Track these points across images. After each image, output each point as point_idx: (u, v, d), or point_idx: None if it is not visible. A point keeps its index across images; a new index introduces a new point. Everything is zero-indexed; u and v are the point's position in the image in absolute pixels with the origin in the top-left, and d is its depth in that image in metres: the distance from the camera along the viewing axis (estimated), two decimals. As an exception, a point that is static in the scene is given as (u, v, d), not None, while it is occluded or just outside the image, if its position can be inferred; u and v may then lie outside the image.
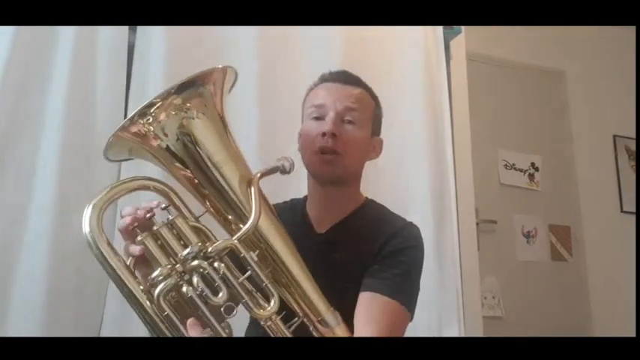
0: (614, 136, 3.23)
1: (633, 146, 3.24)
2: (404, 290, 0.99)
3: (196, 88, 0.84)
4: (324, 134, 1.03)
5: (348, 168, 1.08)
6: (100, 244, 0.80)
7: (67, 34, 1.57)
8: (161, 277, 0.79)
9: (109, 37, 1.63)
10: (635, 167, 3.23)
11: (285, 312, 0.87)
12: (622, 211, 3.13)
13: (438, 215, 1.80)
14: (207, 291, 0.79)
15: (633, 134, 3.17)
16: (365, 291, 0.98)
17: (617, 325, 2.75)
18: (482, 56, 2.90)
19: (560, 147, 3.11)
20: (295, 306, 0.89)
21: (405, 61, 1.91)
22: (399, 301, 0.97)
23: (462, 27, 2.15)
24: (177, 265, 0.81)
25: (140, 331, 1.43)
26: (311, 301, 0.89)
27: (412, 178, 1.83)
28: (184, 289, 0.79)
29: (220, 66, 0.88)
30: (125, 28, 1.66)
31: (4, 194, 1.45)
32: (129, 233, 0.85)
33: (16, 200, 1.46)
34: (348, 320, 0.94)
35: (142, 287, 0.81)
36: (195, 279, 0.79)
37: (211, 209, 0.88)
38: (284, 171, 0.93)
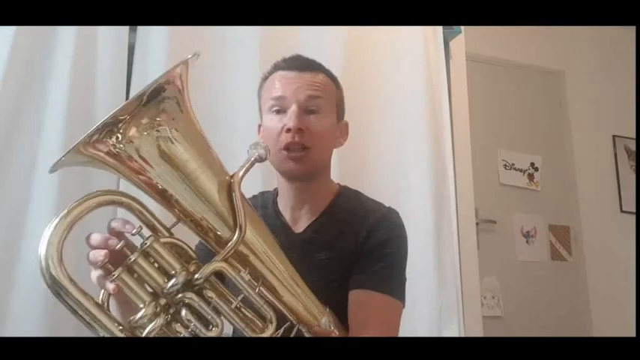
0: (614, 136, 3.24)
1: (633, 146, 3.24)
2: (393, 282, 0.99)
3: (159, 104, 0.72)
4: (289, 130, 0.97)
5: (318, 161, 1.03)
6: (58, 278, 0.71)
7: (67, 34, 1.57)
8: (146, 320, 0.72)
9: (109, 37, 1.62)
10: (634, 167, 3.23)
11: (279, 320, 0.82)
12: (621, 211, 3.14)
13: (438, 215, 1.80)
14: (199, 327, 0.73)
15: (633, 134, 3.18)
16: (355, 289, 0.97)
17: (616, 325, 2.75)
18: (482, 56, 2.90)
19: (559, 147, 3.12)
20: (290, 315, 0.84)
21: (405, 61, 1.91)
22: (391, 295, 0.97)
23: (462, 27, 2.16)
24: (161, 299, 0.73)
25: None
26: (305, 308, 0.86)
27: (412, 178, 1.83)
28: (173, 327, 0.72)
29: (180, 62, 0.75)
30: (125, 28, 1.66)
31: (4, 194, 1.45)
32: (100, 267, 0.76)
33: (16, 200, 1.46)
34: (339, 318, 0.93)
35: (120, 327, 0.72)
36: (183, 312, 0.73)
37: (182, 216, 0.78)
38: (261, 159, 0.84)
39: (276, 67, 1.06)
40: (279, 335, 0.80)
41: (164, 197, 0.76)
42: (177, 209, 0.77)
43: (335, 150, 1.11)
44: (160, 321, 0.71)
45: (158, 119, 0.72)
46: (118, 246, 0.73)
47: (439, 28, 2.04)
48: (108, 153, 0.72)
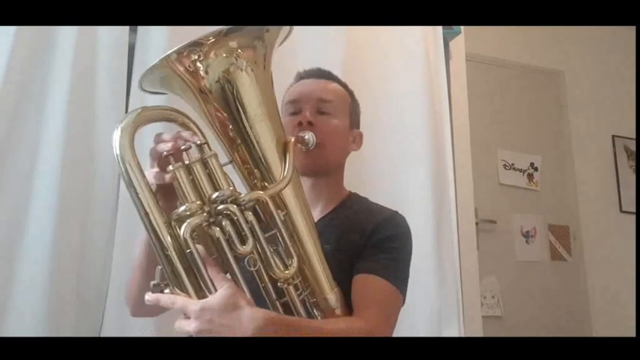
0: (613, 137, 3.24)
1: (632, 146, 3.25)
2: (397, 274, 1.00)
3: (252, 40, 0.83)
4: (300, 124, 1.04)
5: (330, 158, 1.08)
6: (130, 169, 0.76)
7: (67, 34, 1.57)
8: (188, 213, 0.77)
9: (109, 37, 1.62)
10: (634, 167, 3.23)
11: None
12: (621, 211, 3.14)
13: (437, 215, 1.80)
14: (234, 238, 0.78)
15: (632, 134, 3.18)
16: (359, 273, 0.98)
17: (616, 325, 2.76)
18: (482, 56, 2.90)
19: (559, 147, 3.12)
20: (302, 279, 0.88)
21: (404, 61, 1.91)
22: (394, 284, 0.98)
23: (462, 27, 2.16)
24: (205, 205, 0.79)
25: (140, 331, 1.43)
26: (318, 277, 0.89)
27: (412, 178, 1.83)
28: (211, 231, 0.78)
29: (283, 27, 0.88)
30: (125, 28, 1.66)
31: (4, 194, 1.45)
32: (161, 160, 0.82)
33: (16, 201, 1.45)
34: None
35: (164, 219, 0.78)
36: (224, 223, 0.78)
37: (238, 159, 0.86)
38: (307, 144, 0.97)
39: (298, 77, 1.17)
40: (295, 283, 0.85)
41: (226, 133, 0.85)
42: (237, 153, 0.86)
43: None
44: (199, 219, 0.77)
45: (240, 51, 0.82)
46: (184, 146, 0.80)
47: (439, 28, 2.04)
48: (186, 69, 0.81)
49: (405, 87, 1.89)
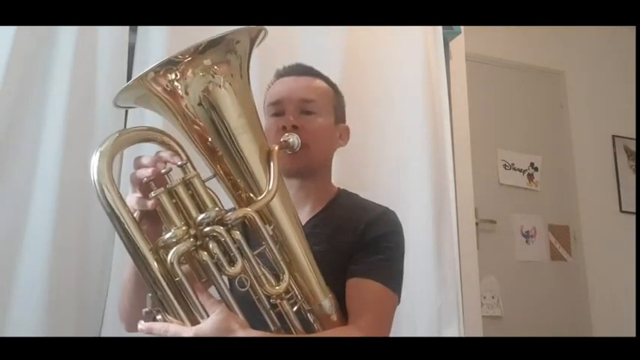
0: (613, 137, 3.24)
1: (632, 146, 3.25)
2: (391, 275, 0.99)
3: (225, 55, 0.80)
4: (284, 127, 1.01)
5: (316, 158, 1.06)
6: (108, 195, 0.74)
7: (67, 34, 1.57)
8: (174, 240, 0.75)
9: (109, 37, 1.62)
10: (634, 167, 3.23)
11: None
12: (621, 211, 3.14)
13: (437, 215, 1.80)
14: (223, 260, 0.76)
15: (632, 134, 3.18)
16: (353, 277, 0.97)
17: (616, 325, 2.75)
18: (482, 56, 2.90)
19: (559, 147, 3.12)
20: (296, 288, 0.88)
21: (405, 61, 1.91)
22: (388, 286, 0.97)
23: (462, 27, 2.16)
24: (191, 229, 0.77)
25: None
26: (312, 286, 0.89)
27: (412, 178, 1.83)
28: (199, 255, 0.76)
29: (252, 27, 0.83)
30: (125, 28, 1.66)
31: (4, 194, 1.45)
32: (142, 186, 0.80)
33: (16, 200, 1.46)
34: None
35: (149, 246, 0.76)
36: (211, 245, 0.76)
37: (221, 172, 0.84)
38: (292, 147, 0.95)
39: (277, 75, 1.13)
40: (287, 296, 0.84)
41: (206, 146, 0.82)
42: (220, 166, 0.83)
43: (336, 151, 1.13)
44: (186, 244, 0.75)
45: (216, 67, 0.79)
46: (164, 170, 0.78)
47: (439, 28, 2.04)
48: (164, 89, 0.79)
49: (405, 87, 1.89)
